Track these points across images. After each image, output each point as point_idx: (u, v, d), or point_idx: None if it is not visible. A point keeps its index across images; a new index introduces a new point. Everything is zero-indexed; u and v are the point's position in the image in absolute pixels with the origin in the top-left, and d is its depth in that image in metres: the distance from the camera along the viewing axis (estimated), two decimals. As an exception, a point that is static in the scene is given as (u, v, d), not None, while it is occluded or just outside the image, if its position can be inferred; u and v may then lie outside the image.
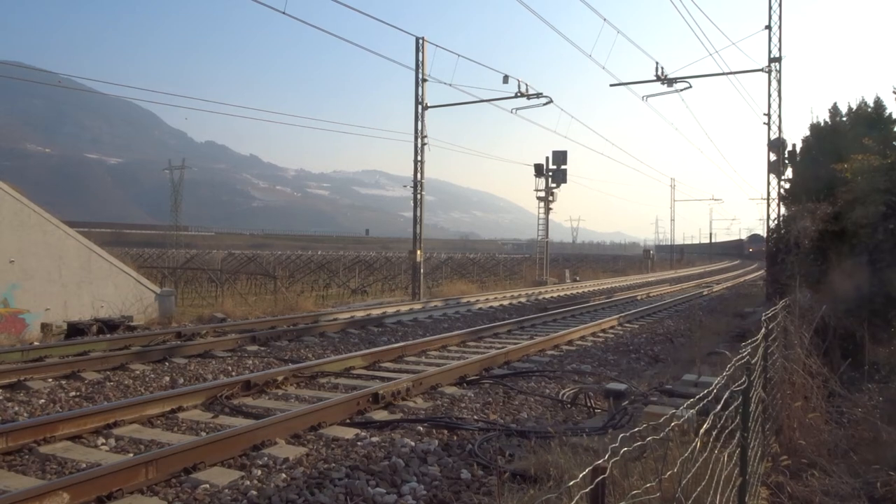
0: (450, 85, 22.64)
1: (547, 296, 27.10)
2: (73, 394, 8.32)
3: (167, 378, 9.41)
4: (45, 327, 14.11)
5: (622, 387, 8.32)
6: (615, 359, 11.65)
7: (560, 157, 35.85)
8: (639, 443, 2.47)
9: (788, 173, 21.17)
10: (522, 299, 24.93)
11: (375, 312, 17.98)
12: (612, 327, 15.87)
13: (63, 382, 8.94)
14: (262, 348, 12.20)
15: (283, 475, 5.32)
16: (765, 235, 39.46)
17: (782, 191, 21.18)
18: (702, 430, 2.68)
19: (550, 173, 35.73)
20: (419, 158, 24.40)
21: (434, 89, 24.98)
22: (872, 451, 5.45)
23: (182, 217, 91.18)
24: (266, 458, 5.72)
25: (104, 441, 6.33)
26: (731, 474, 3.16)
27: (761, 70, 21.15)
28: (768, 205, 21.38)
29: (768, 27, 20.97)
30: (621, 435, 2.16)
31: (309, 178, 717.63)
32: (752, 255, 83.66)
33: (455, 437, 6.53)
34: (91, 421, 6.57)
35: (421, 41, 24.19)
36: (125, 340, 12.14)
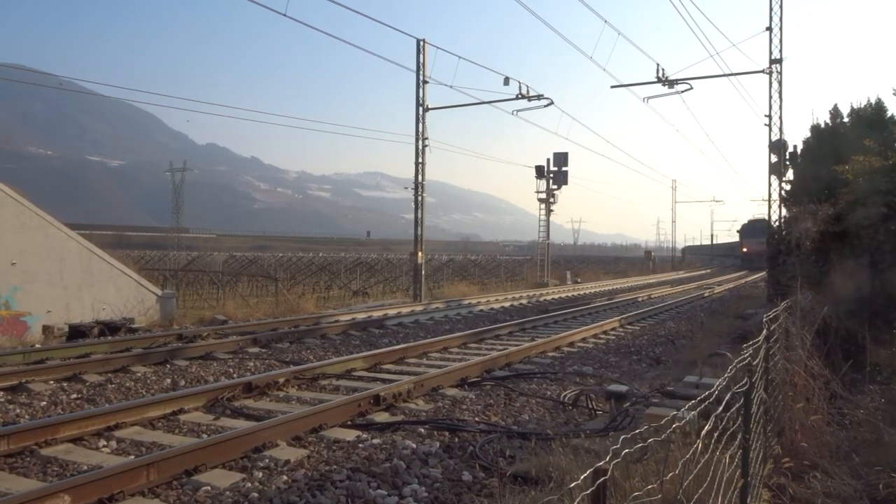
0: (451, 87, 22.65)
1: (548, 297, 27.09)
2: (74, 396, 8.33)
3: (168, 380, 9.41)
4: (46, 329, 14.12)
5: (623, 388, 8.33)
6: (616, 360, 11.64)
7: (561, 158, 35.87)
8: (640, 444, 2.47)
9: (789, 174, 21.16)
10: (524, 301, 24.92)
11: (377, 314, 17.98)
12: (613, 329, 15.85)
13: (64, 384, 8.94)
14: (264, 350, 12.20)
15: (285, 477, 5.32)
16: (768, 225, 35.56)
17: (783, 192, 21.17)
18: (703, 432, 2.68)
19: (551, 175, 35.73)
20: (420, 160, 24.41)
21: (435, 91, 25.01)
22: (874, 452, 5.44)
23: (183, 219, 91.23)
24: (267, 460, 5.72)
25: (105, 443, 6.33)
26: (732, 476, 3.16)
27: (762, 71, 21.15)
28: (769, 206, 21.38)
29: (769, 28, 20.98)
30: (623, 436, 2.16)
31: (310, 179, 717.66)
32: (752, 259, 54.46)
33: (456, 439, 6.52)
34: (92, 423, 6.57)
35: (422, 43, 24.21)
36: (126, 342, 12.15)
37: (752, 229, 56.02)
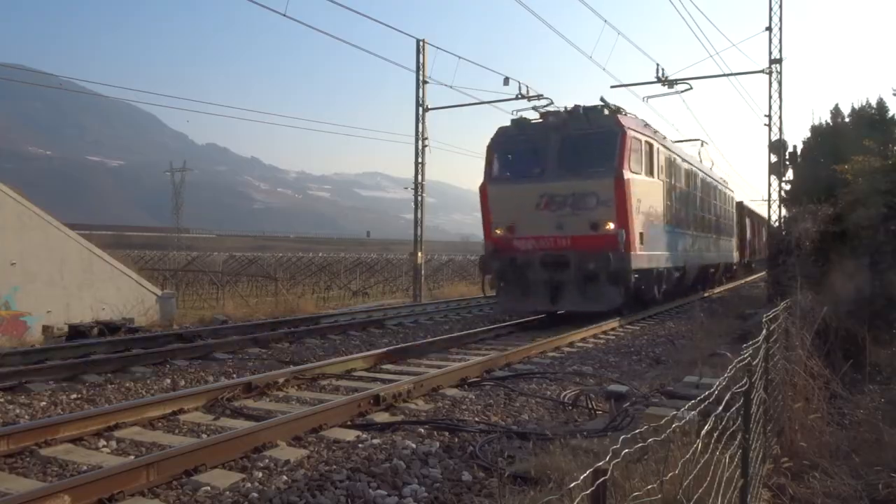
0: (451, 87, 22.66)
1: (548, 297, 27.01)
2: (74, 396, 8.32)
3: (168, 380, 9.41)
4: (46, 329, 14.13)
5: (623, 388, 8.32)
6: (616, 360, 11.63)
7: (561, 158, 35.76)
8: (640, 444, 2.47)
9: (789, 174, 21.21)
10: (523, 301, 24.86)
11: (376, 314, 17.98)
12: (612, 329, 15.83)
13: (64, 384, 8.94)
14: (263, 350, 12.20)
15: (285, 477, 5.31)
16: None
17: (783, 192, 21.20)
18: (703, 432, 2.68)
19: (551, 175, 35.72)
20: (420, 160, 24.41)
21: (435, 91, 24.94)
22: (874, 452, 5.44)
23: (183, 219, 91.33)
24: (267, 461, 5.72)
25: (105, 443, 6.32)
26: (732, 476, 3.16)
27: (762, 71, 21.14)
28: (769, 206, 21.39)
29: (769, 28, 20.97)
30: (622, 436, 2.16)
31: (310, 179, 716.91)
32: (516, 259, 15.04)
33: (456, 439, 6.52)
34: (92, 423, 6.56)
35: (422, 43, 24.22)
36: (126, 343, 12.15)
37: (506, 155, 16.74)
